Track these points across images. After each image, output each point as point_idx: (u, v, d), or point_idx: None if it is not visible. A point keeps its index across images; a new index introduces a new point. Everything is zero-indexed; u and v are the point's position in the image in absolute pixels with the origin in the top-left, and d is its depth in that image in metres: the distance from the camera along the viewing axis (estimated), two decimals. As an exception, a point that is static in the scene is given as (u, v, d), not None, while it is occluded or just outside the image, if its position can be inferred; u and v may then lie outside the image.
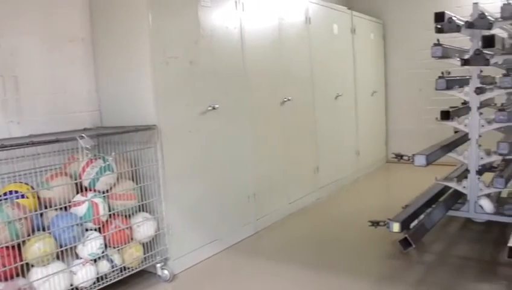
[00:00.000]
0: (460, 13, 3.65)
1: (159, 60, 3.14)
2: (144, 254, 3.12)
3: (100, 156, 2.95)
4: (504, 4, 3.28)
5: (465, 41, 3.62)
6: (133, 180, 3.09)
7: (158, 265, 3.20)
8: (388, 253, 3.50)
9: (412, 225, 3.48)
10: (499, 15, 3.34)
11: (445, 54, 3.45)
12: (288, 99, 4.47)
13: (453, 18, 3.36)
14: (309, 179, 4.96)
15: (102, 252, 2.85)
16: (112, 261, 2.90)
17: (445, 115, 3.45)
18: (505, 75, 3.30)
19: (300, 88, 4.76)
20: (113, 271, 2.92)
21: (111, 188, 2.97)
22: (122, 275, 2.99)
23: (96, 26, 3.36)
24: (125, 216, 3.04)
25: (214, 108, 3.55)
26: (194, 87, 3.42)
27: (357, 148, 6.07)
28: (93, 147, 2.89)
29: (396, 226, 3.23)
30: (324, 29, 5.27)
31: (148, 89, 3.13)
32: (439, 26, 3.38)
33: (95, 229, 2.87)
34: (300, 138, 4.80)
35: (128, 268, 3.04)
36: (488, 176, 3.77)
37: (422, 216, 3.56)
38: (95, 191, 2.90)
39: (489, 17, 3.33)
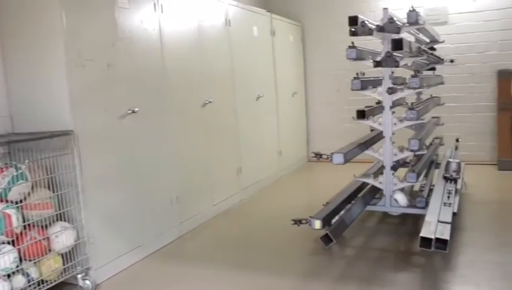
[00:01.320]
0: (373, 17, 3.82)
1: (74, 63, 3.02)
2: (64, 265, 3.00)
3: (12, 164, 2.79)
4: (410, 11, 3.49)
5: (379, 44, 3.79)
6: (49, 188, 2.96)
7: (79, 276, 3.09)
8: (311, 250, 3.60)
9: (333, 221, 3.60)
10: (406, 20, 3.55)
11: (360, 56, 3.60)
12: (210, 101, 4.47)
13: (366, 22, 3.51)
14: (232, 180, 4.99)
15: (17, 266, 2.71)
16: (28, 275, 2.76)
17: (361, 114, 3.60)
18: (413, 76, 3.51)
19: (221, 90, 4.78)
20: (30, 286, 2.78)
21: (25, 198, 2.83)
22: (40, 289, 2.86)
23: (5, 27, 3.18)
24: (42, 226, 2.90)
25: (133, 112, 3.48)
26: (112, 90, 3.33)
27: (279, 148, 6.19)
28: (3, 154, 2.73)
29: (317, 224, 3.32)
30: (244, 31, 5.33)
31: (64, 93, 3.00)
32: (353, 30, 3.53)
33: (8, 242, 2.72)
34: (223, 140, 4.82)
35: (47, 281, 2.90)
36: (402, 171, 3.99)
37: (342, 212, 3.69)
38: (7, 201, 2.75)
39: (397, 22, 3.52)
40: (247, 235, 4.10)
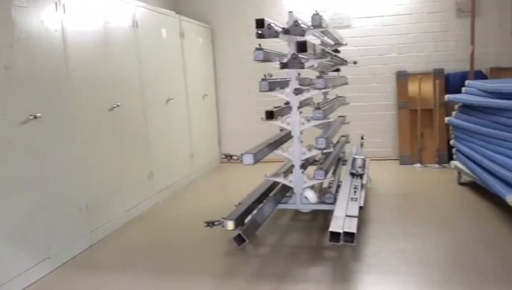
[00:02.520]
0: (280, 20, 3.90)
1: (-35, 66, 2.81)
2: (-40, 284, 2.78)
3: None
4: (314, 14, 3.61)
5: (286, 46, 3.87)
6: None
7: (-21, 294, 2.88)
8: (226, 251, 3.62)
9: (246, 221, 3.64)
10: (310, 23, 3.68)
11: (267, 57, 3.67)
12: (118, 105, 4.35)
13: (272, 24, 3.58)
14: (144, 184, 4.89)
15: None
16: None
17: (270, 115, 3.67)
18: (318, 77, 3.64)
19: (130, 93, 4.67)
20: None
21: None
22: None
23: None
24: None
25: (35, 117, 3.29)
26: (11, 94, 3.13)
27: (191, 150, 6.16)
28: None
29: (230, 224, 3.34)
30: (153, 33, 5.24)
31: (-46, 99, 2.79)
32: (259, 32, 3.59)
33: None
34: (133, 144, 4.70)
35: None
36: (311, 169, 4.11)
37: (254, 212, 3.74)
38: None
39: (302, 25, 3.63)
40: (161, 240, 4.03)
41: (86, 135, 3.93)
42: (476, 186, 4.89)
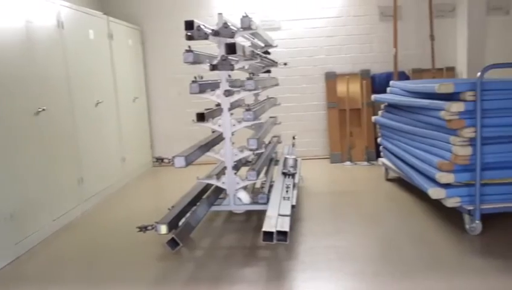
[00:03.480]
0: (211, 22, 3.90)
1: None
2: None
3: None
4: (243, 16, 3.64)
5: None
6: None
7: None
8: (160, 255, 3.56)
9: (180, 224, 3.60)
10: (240, 25, 3.71)
11: (197, 59, 3.66)
12: (43, 109, 4.17)
13: (202, 26, 3.58)
14: (74, 191, 4.72)
15: None
16: None
17: (201, 117, 3.66)
18: (248, 79, 3.68)
19: (56, 96, 4.49)
20: None
21: None
22: None
23: None
24: None
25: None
26: None
27: (123, 154, 6.02)
28: None
29: (163, 228, 3.30)
30: (79, 34, 5.07)
31: None
32: (189, 34, 3.57)
33: None
34: (61, 149, 4.52)
35: None
36: (244, 170, 4.14)
37: (188, 215, 3.71)
38: None
39: (232, 27, 3.65)
40: (92, 248, 3.91)
41: (9, 140, 3.73)
42: (402, 182, 5.12)
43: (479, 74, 3.44)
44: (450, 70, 6.74)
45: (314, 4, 6.83)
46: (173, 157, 3.38)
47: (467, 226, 3.66)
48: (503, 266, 3.08)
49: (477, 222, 3.56)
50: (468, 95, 3.48)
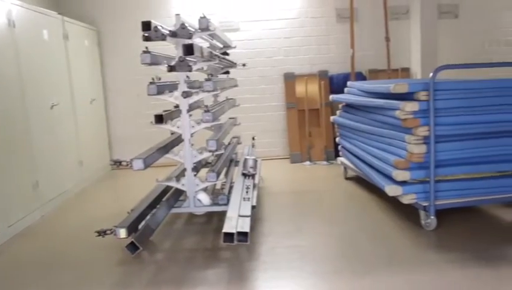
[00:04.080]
0: (169, 23, 3.86)
1: None
2: None
3: None
4: (201, 17, 3.63)
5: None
6: None
7: None
8: (120, 260, 3.50)
9: (140, 227, 3.56)
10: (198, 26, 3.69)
11: (155, 60, 3.62)
12: (-6, 113, 4.04)
13: (159, 27, 3.55)
14: (29, 195, 4.58)
15: None
16: None
17: (159, 119, 3.63)
18: (207, 80, 3.67)
19: (8, 99, 4.35)
20: None
21: None
22: None
23: None
24: None
25: None
26: None
27: (80, 158, 5.89)
28: None
29: (123, 232, 3.25)
30: (32, 34, 4.92)
31: None
32: (146, 35, 3.53)
33: None
34: (14, 153, 4.38)
35: None
36: (204, 171, 4.12)
37: (148, 218, 3.67)
38: None
39: (190, 28, 3.63)
40: (50, 254, 3.79)
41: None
42: (360, 180, 5.22)
43: (431, 74, 3.54)
44: (405, 71, 6.93)
45: (272, 5, 6.88)
46: (131, 159, 3.33)
47: (423, 222, 3.76)
48: (456, 259, 3.19)
49: (432, 217, 3.67)
50: (422, 95, 3.59)
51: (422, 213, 3.76)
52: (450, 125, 3.64)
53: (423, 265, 3.14)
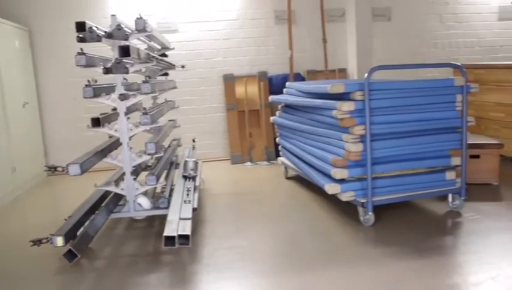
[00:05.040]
0: (106, 24, 3.76)
1: None
2: None
3: None
4: (137, 18, 3.57)
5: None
6: None
7: None
8: (58, 269, 3.37)
9: (78, 234, 3.45)
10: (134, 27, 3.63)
11: (90, 62, 3.53)
12: None
13: (94, 28, 3.46)
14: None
15: None
16: None
17: (96, 122, 3.54)
18: (144, 82, 3.61)
19: None
20: None
21: None
22: None
23: None
24: None
25: None
26: None
27: (13, 164, 5.63)
28: None
29: (59, 240, 3.14)
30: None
31: None
32: (81, 36, 3.44)
33: None
34: None
35: None
36: (145, 175, 4.05)
37: (86, 224, 3.57)
38: None
39: (126, 29, 3.57)
40: (-21, 267, 3.62)
41: None
42: (300, 180, 5.31)
43: (366, 75, 3.66)
44: (342, 72, 7.12)
45: (211, 7, 6.87)
46: (67, 165, 3.23)
47: (361, 218, 3.88)
48: (394, 252, 3.32)
49: (370, 213, 3.79)
50: (358, 95, 3.70)
51: (360, 210, 3.88)
52: (385, 124, 3.77)
53: (362, 260, 3.24)
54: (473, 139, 4.87)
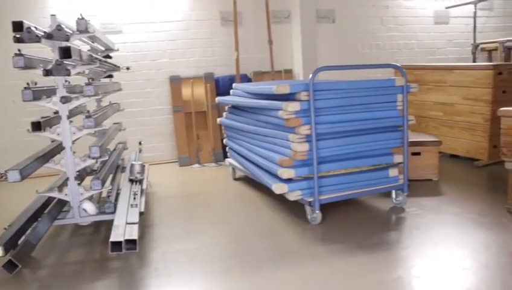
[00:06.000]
0: (46, 24, 3.63)
1: None
2: None
3: None
4: (79, 19, 3.48)
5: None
6: None
7: None
8: (-4, 281, 3.25)
9: (19, 243, 3.32)
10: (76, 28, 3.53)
11: (29, 64, 3.41)
12: None
13: (33, 28, 3.34)
14: None
15: None
16: None
17: (37, 126, 3.42)
18: (87, 84, 3.52)
19: None
20: None
21: None
22: None
23: None
24: None
25: None
26: None
27: None
28: None
29: (-1, 250, 3.02)
30: None
31: None
32: (18, 36, 3.31)
33: None
34: None
35: None
36: (90, 179, 3.95)
37: (28, 232, 3.44)
38: None
39: (67, 30, 3.46)
40: None
41: None
42: (249, 180, 5.34)
43: (311, 75, 3.72)
44: (288, 72, 7.21)
45: (156, 8, 6.78)
46: (6, 171, 3.10)
47: (309, 217, 3.94)
48: (341, 249, 3.39)
49: (317, 212, 3.86)
50: (303, 95, 3.75)
51: (308, 208, 3.94)
52: (330, 123, 3.85)
53: (310, 258, 3.29)
54: (414, 137, 5.06)
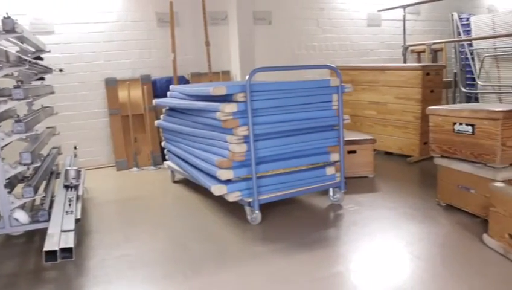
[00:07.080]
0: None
1: None
2: None
3: None
4: (4, 18, 3.33)
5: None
6: None
7: None
8: None
9: None
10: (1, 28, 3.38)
11: (-49, 67, 3.23)
12: None
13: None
14: None
15: None
16: None
17: (-39, 132, 3.25)
18: (16, 87, 3.38)
19: None
20: None
21: None
22: None
23: None
24: None
25: None
26: None
27: None
28: None
29: None
30: None
31: None
32: None
33: None
34: None
35: None
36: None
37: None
38: None
39: (-8, 30, 3.31)
40: None
41: None
42: (188, 183, 5.31)
43: (247, 76, 3.76)
44: (226, 74, 7.23)
45: (90, 8, 6.58)
46: None
47: (249, 217, 3.97)
48: (281, 248, 3.45)
49: (256, 212, 3.90)
50: (240, 97, 3.78)
51: (247, 209, 3.97)
52: (267, 124, 3.90)
53: (251, 258, 3.33)
54: (349, 136, 5.22)
